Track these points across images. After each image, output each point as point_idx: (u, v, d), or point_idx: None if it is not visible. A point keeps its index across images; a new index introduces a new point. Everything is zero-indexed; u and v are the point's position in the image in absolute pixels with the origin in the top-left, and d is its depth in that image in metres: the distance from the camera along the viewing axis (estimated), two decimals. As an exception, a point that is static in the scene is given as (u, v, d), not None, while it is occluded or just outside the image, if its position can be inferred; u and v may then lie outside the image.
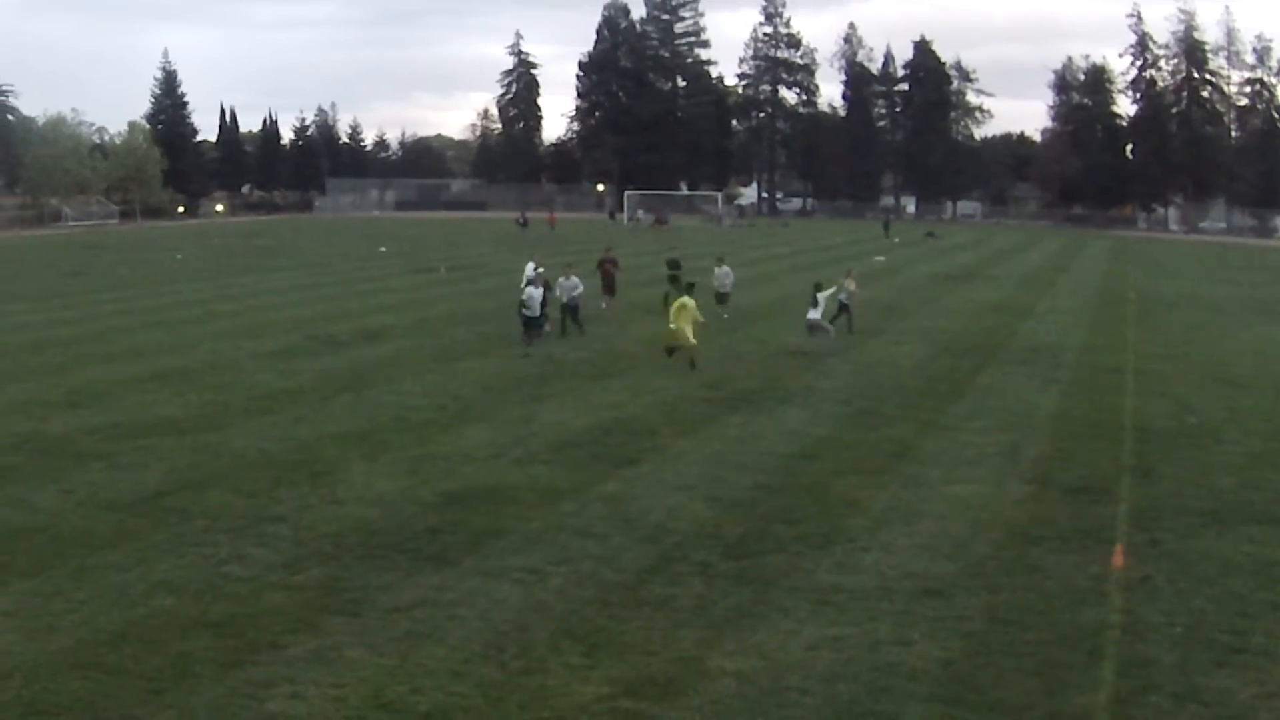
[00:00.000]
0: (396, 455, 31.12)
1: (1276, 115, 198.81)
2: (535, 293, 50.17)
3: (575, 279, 53.52)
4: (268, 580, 21.61)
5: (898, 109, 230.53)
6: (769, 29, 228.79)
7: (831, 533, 24.81)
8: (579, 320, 52.93)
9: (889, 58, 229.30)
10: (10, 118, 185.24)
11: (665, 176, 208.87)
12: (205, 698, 16.74)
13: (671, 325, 44.58)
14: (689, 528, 25.08)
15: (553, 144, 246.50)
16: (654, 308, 60.71)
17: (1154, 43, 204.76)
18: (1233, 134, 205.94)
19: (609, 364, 45.18)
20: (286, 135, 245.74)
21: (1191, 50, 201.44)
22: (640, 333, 53.92)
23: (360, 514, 25.86)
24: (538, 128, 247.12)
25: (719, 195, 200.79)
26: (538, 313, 49.79)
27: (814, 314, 48.17)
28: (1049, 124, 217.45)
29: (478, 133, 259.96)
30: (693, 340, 44.02)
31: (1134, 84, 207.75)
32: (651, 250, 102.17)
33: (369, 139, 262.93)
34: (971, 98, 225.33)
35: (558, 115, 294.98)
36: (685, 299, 45.46)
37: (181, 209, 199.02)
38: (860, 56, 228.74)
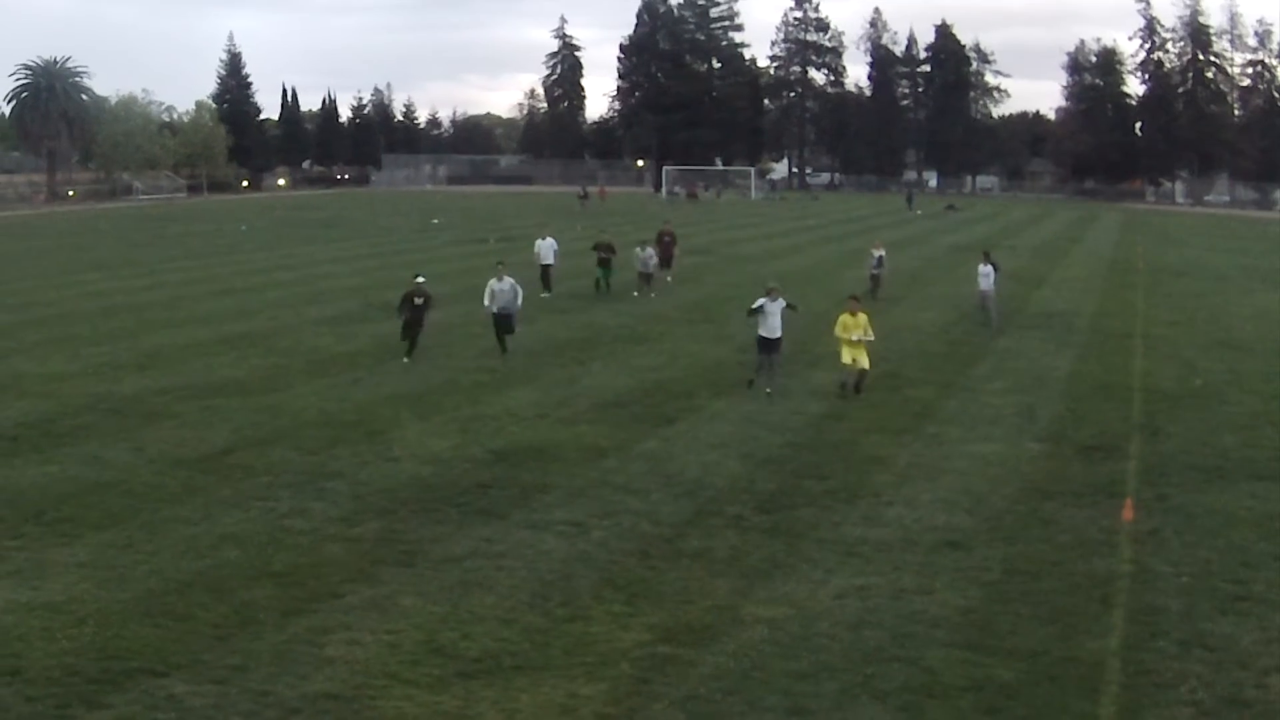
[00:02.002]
0: (448, 415, 31.15)
1: (1277, 95, 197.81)
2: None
3: (510, 280, 40.13)
4: (327, 533, 21.66)
5: (920, 89, 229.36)
6: (799, 13, 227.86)
7: (858, 488, 24.80)
8: (512, 330, 40.16)
9: (912, 41, 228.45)
10: (85, 97, 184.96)
11: (701, 152, 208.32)
12: (268, 643, 16.76)
13: (846, 359, 34.13)
14: (724, 483, 25.09)
15: (595, 122, 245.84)
16: (691, 275, 60.61)
17: (1161, 26, 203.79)
18: (1235, 112, 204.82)
19: (649, 329, 45.13)
20: (345, 113, 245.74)
21: (1197, 33, 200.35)
22: (680, 299, 53.88)
23: (414, 470, 25.90)
24: (581, 107, 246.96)
25: (752, 169, 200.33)
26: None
27: (987, 284, 47.65)
28: (1062, 103, 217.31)
29: (525, 111, 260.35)
30: (866, 363, 34.24)
31: (1142, 65, 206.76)
32: (689, 221, 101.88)
33: (422, 117, 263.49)
34: (989, 78, 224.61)
35: (600, 95, 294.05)
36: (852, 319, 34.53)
37: (245, 183, 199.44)
38: (885, 39, 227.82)
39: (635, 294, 54.27)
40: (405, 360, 38.12)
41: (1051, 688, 15.69)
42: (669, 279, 57.70)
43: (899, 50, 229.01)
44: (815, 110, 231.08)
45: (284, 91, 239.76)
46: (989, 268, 47.68)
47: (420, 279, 39.39)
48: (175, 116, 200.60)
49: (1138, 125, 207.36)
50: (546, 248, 55.63)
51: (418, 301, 38.44)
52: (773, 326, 34.10)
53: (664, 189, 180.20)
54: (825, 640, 17.06)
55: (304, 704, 15.03)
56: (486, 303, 39.88)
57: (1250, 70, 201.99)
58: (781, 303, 34.50)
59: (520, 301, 40.30)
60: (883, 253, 56.26)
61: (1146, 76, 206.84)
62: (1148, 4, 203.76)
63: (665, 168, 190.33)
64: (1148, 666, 16.32)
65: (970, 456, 27.38)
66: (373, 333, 44.36)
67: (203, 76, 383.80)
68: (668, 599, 18.58)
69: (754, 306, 34.37)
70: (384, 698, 15.25)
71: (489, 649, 16.69)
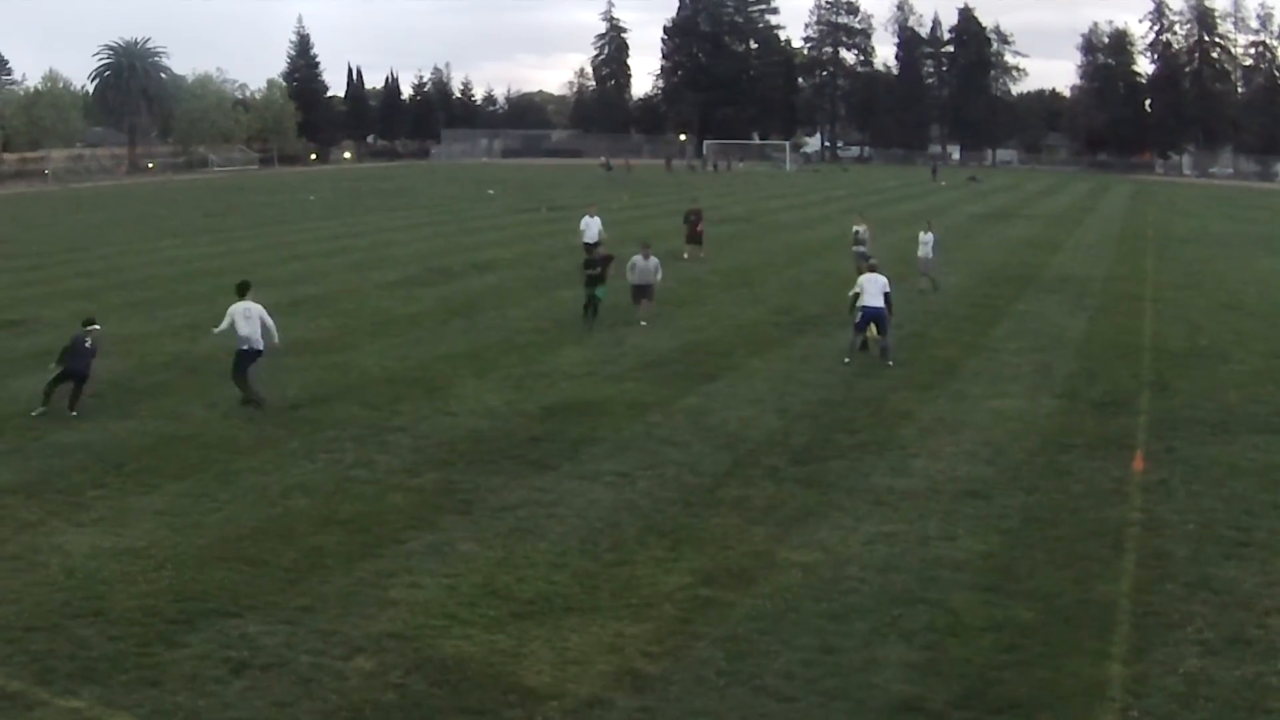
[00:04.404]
0: (503, 373, 31.13)
1: (1278, 74, 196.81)
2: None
3: (258, 307, 29.30)
4: (390, 483, 21.68)
5: (944, 68, 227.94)
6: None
7: (886, 441, 24.72)
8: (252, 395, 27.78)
9: (936, 23, 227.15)
10: (163, 75, 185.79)
11: (739, 127, 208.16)
12: (335, 586, 16.80)
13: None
14: (761, 436, 25.04)
15: (640, 99, 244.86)
16: (729, 242, 60.41)
17: (1170, 10, 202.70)
18: (1239, 90, 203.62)
19: (691, 293, 44.92)
20: (406, 91, 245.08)
21: (1203, 16, 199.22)
22: (719, 265, 53.67)
23: (471, 424, 25.90)
24: (627, 85, 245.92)
25: (787, 143, 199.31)
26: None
27: (926, 251, 47.05)
28: (1077, 81, 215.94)
29: (574, 89, 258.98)
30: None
31: (1152, 46, 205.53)
32: (725, 192, 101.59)
33: (479, 94, 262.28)
34: (1009, 58, 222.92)
35: (645, 74, 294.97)
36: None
37: (314, 156, 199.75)
38: (911, 22, 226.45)
39: (643, 322, 38.68)
40: (40, 411, 26.52)
41: (1066, 628, 15.64)
42: (700, 255, 56.34)
43: (924, 32, 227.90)
44: (846, 88, 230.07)
45: (349, 71, 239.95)
46: (930, 236, 47.03)
47: (94, 326, 28.14)
48: (248, 94, 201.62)
49: (1147, 102, 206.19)
50: (593, 226, 51.55)
51: (87, 345, 27.31)
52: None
53: (703, 161, 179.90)
54: (855, 583, 17.04)
55: (368, 643, 15.07)
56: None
57: (1253, 51, 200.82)
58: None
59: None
60: (862, 228, 50.57)
61: (1155, 56, 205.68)
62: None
63: (705, 141, 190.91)
64: (1156, 608, 16.25)
65: (991, 411, 27.25)
66: (434, 295, 44.40)
67: (274, 56, 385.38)
68: (708, 545, 18.56)
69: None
70: (444, 637, 15.27)
71: (541, 591, 16.71)
